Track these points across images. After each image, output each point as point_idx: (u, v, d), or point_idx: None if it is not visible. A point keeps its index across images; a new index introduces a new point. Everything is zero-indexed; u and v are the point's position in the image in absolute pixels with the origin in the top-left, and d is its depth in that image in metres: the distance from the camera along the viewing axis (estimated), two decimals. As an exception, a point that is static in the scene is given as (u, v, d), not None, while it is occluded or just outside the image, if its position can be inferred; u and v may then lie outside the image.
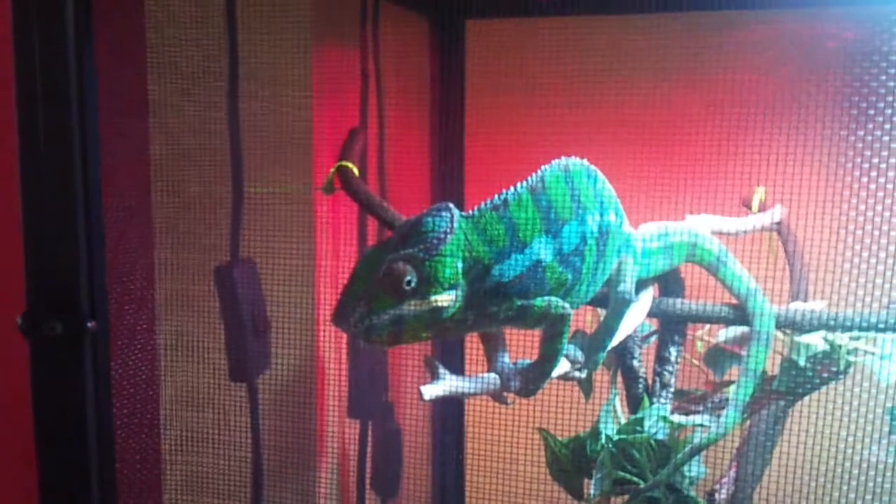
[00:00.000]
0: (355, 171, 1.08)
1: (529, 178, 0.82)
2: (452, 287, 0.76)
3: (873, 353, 0.92)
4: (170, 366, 1.13)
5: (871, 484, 0.98)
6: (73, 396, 0.79)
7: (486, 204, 0.80)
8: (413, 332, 0.77)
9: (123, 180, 0.99)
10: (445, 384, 0.82)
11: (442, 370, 0.83)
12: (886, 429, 0.97)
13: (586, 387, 1.02)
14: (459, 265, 0.77)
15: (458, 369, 1.07)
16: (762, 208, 1.15)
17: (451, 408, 1.35)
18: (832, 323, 0.93)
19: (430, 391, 0.81)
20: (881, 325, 0.91)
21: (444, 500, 1.39)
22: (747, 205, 1.16)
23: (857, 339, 0.93)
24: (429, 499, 1.41)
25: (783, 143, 1.10)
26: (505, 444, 1.12)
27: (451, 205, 0.78)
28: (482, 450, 1.16)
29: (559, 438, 0.99)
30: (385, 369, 1.31)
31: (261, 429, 1.17)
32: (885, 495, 0.97)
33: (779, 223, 1.14)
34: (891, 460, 0.96)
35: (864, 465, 0.99)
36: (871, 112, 0.94)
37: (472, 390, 0.84)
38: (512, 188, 0.81)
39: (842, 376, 0.96)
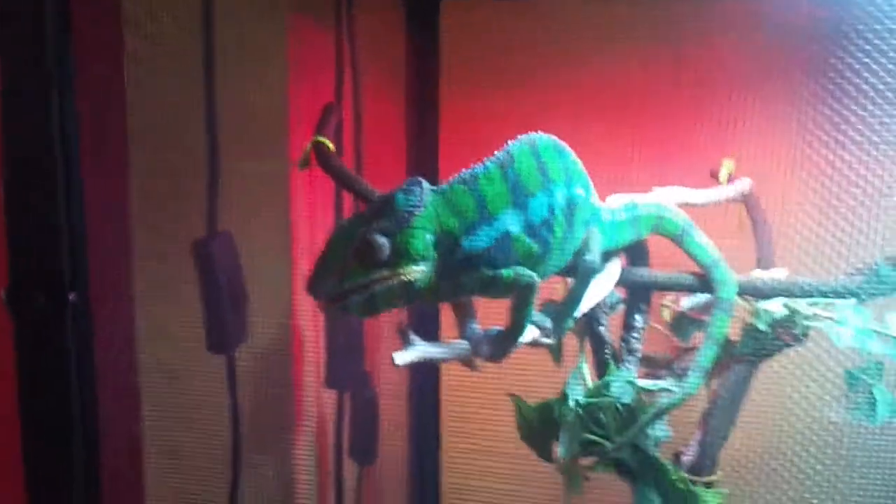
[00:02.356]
0: (331, 146, 1.09)
1: (497, 153, 0.84)
2: (423, 259, 0.79)
3: (829, 319, 0.96)
4: (149, 337, 1.15)
5: (829, 443, 1.03)
6: (56, 367, 0.81)
7: (455, 178, 0.83)
8: (386, 302, 0.79)
9: (103, 152, 1.01)
10: (417, 351, 0.85)
11: (413, 337, 0.85)
12: (844, 390, 1.01)
13: (556, 353, 1.05)
14: (430, 238, 0.79)
15: (434, 336, 1.09)
16: (731, 180, 1.18)
17: (427, 375, 1.38)
18: (791, 290, 0.96)
19: (402, 357, 0.84)
20: (837, 292, 0.95)
21: (421, 466, 1.43)
22: (716, 177, 1.19)
23: (815, 305, 0.97)
24: (406, 464, 1.45)
25: (751, 117, 1.13)
26: (480, 408, 1.15)
27: (422, 180, 0.81)
28: (458, 414, 1.20)
29: (529, 403, 1.02)
30: (362, 339, 1.34)
31: (239, 399, 1.19)
32: (843, 452, 1.01)
33: (745, 195, 1.17)
34: (847, 420, 1.00)
35: (824, 425, 1.03)
36: (836, 85, 0.97)
37: (443, 356, 0.87)
38: (480, 163, 0.84)
39: (802, 340, 1.00)
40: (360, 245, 0.76)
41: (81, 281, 0.80)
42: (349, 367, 1.32)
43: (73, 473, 0.82)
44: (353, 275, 0.77)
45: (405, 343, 0.85)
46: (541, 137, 0.87)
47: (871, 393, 0.98)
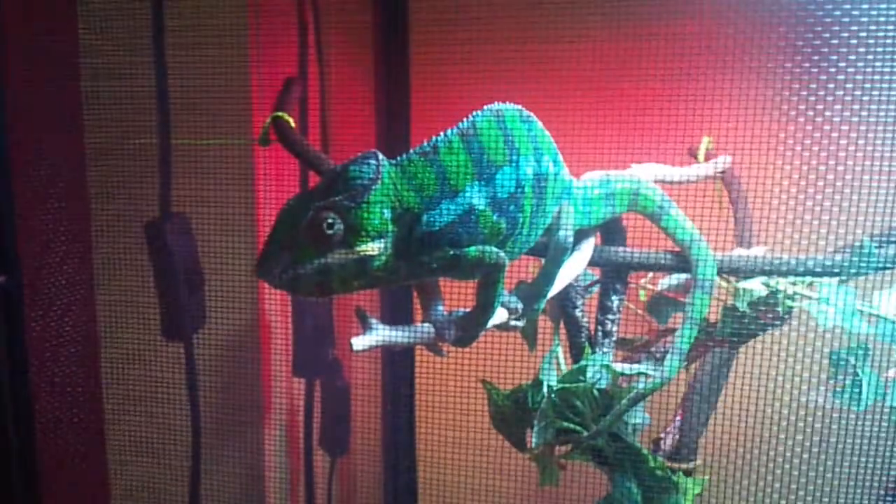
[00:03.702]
0: (291, 122, 1.05)
1: (460, 123, 0.80)
2: (380, 236, 0.74)
3: (812, 298, 0.92)
4: (108, 323, 1.11)
5: (813, 428, 0.99)
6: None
7: (414, 150, 0.78)
8: (342, 283, 0.75)
9: (44, 139, 0.96)
10: (376, 335, 0.80)
11: (373, 321, 0.81)
12: (828, 373, 0.97)
13: (531, 338, 1.01)
14: (388, 213, 0.75)
15: (407, 320, 1.05)
16: (709, 158, 1.14)
17: (402, 362, 1.34)
18: (772, 268, 0.92)
19: (361, 342, 0.79)
20: (820, 270, 0.90)
21: (396, 457, 1.38)
22: (694, 154, 1.15)
23: (797, 283, 0.93)
24: (380, 456, 1.41)
25: (729, 92, 1.09)
26: (456, 396, 1.11)
27: (378, 152, 0.76)
28: (433, 403, 1.15)
29: (502, 390, 0.98)
30: (331, 325, 1.29)
31: (198, 387, 1.15)
32: (827, 438, 0.98)
33: (723, 172, 1.13)
34: (832, 404, 0.97)
35: (807, 410, 1.00)
36: (815, 59, 0.93)
37: (404, 340, 0.82)
38: (442, 133, 0.79)
39: (784, 321, 0.96)
40: (310, 223, 0.72)
41: (12, 264, 0.75)
42: (317, 354, 1.27)
43: (7, 462, 0.78)
44: (304, 254, 0.72)
45: (364, 327, 0.80)
46: (507, 107, 0.82)
47: (857, 375, 0.94)
